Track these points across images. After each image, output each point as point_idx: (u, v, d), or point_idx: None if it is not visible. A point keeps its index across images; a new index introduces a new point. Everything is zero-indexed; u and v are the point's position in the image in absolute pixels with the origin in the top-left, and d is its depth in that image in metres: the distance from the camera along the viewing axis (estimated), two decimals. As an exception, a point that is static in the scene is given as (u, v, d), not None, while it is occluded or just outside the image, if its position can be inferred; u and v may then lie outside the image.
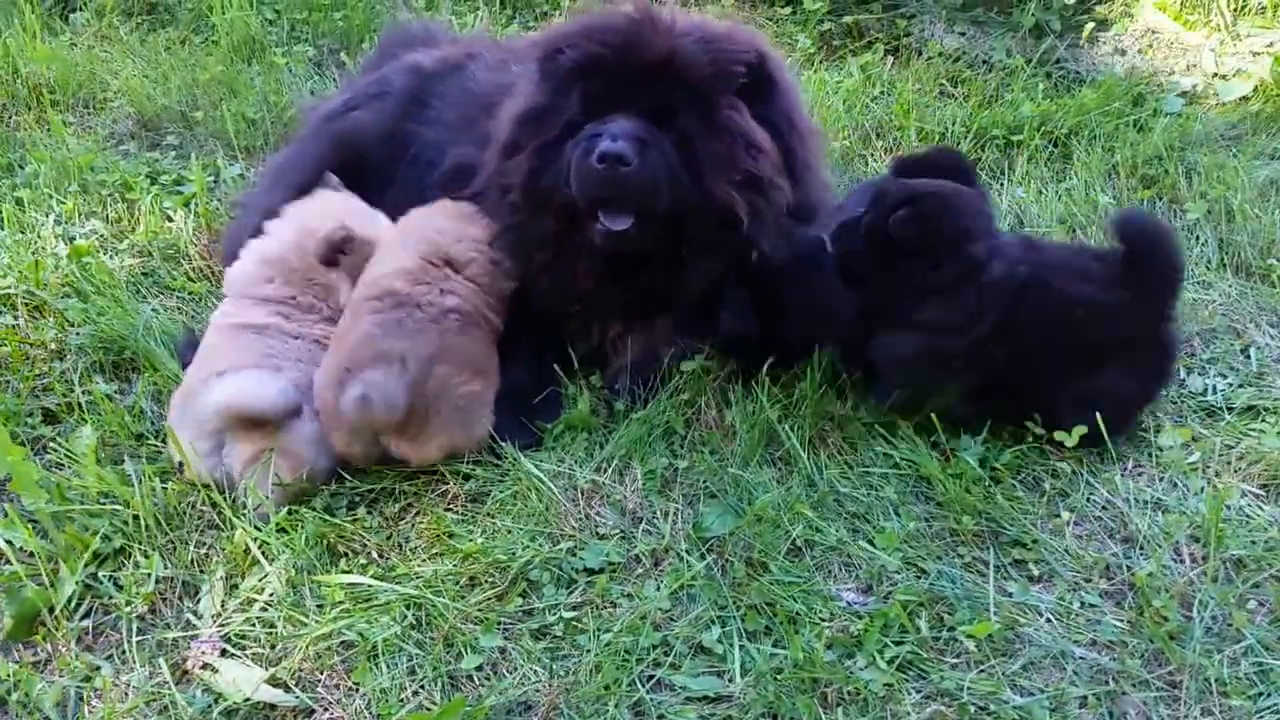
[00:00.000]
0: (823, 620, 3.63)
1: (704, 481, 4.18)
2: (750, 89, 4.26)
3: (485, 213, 4.64)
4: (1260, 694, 3.41)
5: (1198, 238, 5.57)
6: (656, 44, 4.15)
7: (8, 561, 3.83)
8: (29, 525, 3.87)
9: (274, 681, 3.42)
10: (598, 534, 3.99)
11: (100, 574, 3.79)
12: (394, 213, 4.74)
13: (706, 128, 4.21)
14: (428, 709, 3.34)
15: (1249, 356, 4.79)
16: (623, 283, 4.49)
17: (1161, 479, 4.18)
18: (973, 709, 3.34)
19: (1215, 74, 7.15)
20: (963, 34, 7.52)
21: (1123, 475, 4.17)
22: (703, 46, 4.17)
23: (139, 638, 3.60)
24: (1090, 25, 7.49)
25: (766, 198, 4.32)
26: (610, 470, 4.22)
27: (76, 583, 3.72)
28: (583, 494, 4.12)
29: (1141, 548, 3.91)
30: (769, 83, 4.35)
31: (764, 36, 4.47)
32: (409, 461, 4.16)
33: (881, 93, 6.99)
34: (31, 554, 3.80)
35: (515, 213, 4.49)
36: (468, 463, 4.21)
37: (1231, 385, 4.62)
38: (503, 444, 4.27)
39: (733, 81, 4.21)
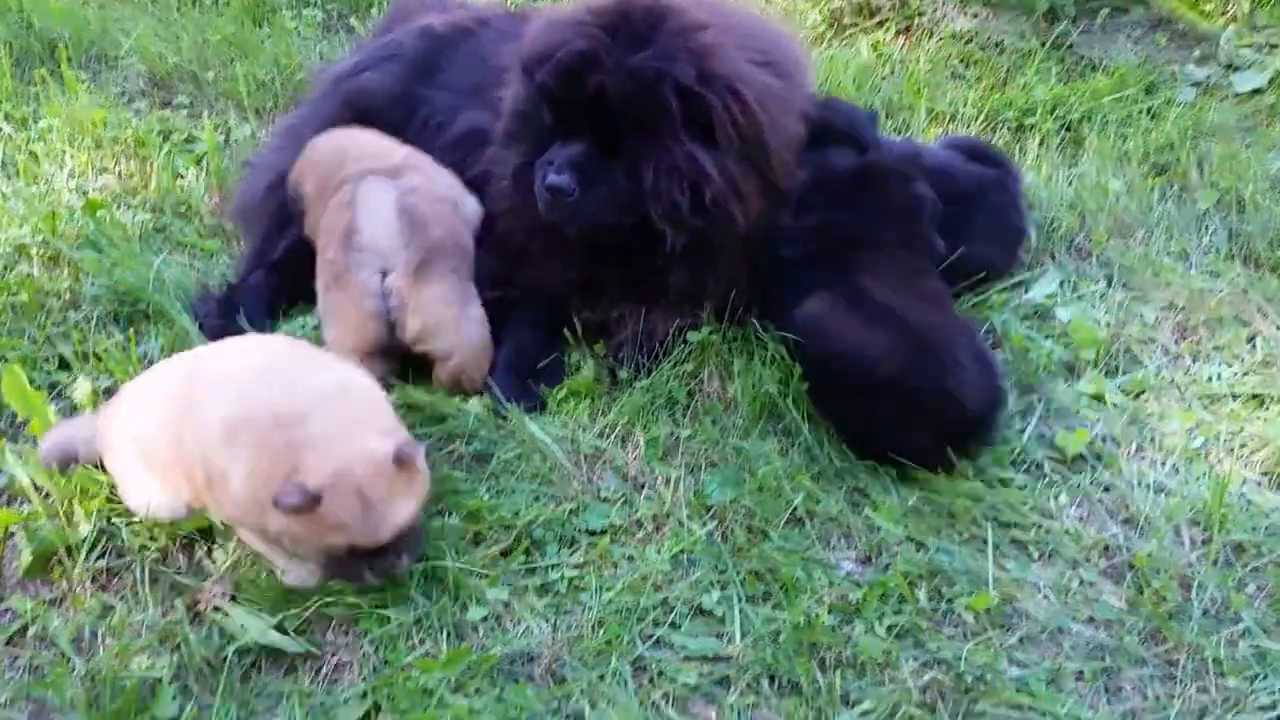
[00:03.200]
0: (822, 588, 3.66)
1: (706, 450, 4.20)
2: (695, 114, 4.20)
3: (488, 195, 4.71)
4: (1257, 676, 3.44)
5: (1207, 227, 5.58)
6: (591, 79, 4.13)
7: (27, 501, 3.86)
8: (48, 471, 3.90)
9: (281, 629, 3.46)
10: (600, 497, 4.02)
11: (115, 519, 3.81)
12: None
13: (649, 158, 4.21)
14: (434, 657, 3.38)
15: (1255, 346, 4.80)
16: (612, 271, 4.55)
17: (1164, 463, 4.21)
18: (970, 678, 3.38)
19: (1230, 65, 7.15)
20: (975, 15, 7.51)
21: (1125, 459, 4.20)
22: (633, 82, 4.13)
23: (152, 580, 3.64)
24: (1105, 11, 7.49)
25: (714, 224, 4.32)
26: (613, 436, 4.24)
27: (93, 524, 3.75)
28: (586, 458, 4.15)
29: (1141, 530, 3.94)
30: (720, 104, 4.20)
31: (723, 54, 4.25)
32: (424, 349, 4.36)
33: (891, 72, 7.01)
34: (48, 495, 3.83)
35: (506, 197, 4.56)
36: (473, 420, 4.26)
37: (1236, 373, 4.63)
38: (507, 405, 4.31)
39: (666, 116, 4.16)
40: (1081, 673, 3.46)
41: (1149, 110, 6.59)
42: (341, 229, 4.32)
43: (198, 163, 5.89)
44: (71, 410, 4.21)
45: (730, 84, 4.19)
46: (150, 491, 3.69)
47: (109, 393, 4.21)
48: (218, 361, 3.73)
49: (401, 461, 3.33)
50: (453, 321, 4.38)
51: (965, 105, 6.53)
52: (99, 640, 3.49)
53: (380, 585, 3.50)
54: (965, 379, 4.00)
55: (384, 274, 4.27)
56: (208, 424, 3.44)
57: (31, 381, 4.07)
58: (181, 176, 5.80)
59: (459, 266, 4.46)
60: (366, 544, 3.34)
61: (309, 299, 4.59)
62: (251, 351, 3.77)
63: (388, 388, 4.13)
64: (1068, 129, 6.46)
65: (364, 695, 3.29)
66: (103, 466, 3.84)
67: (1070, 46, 7.30)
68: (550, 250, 4.53)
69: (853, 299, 4.18)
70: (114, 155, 5.92)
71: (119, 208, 5.48)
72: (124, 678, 3.29)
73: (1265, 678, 3.44)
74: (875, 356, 4.03)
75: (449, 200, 4.56)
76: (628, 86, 4.12)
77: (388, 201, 4.32)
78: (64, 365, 4.51)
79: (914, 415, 4.01)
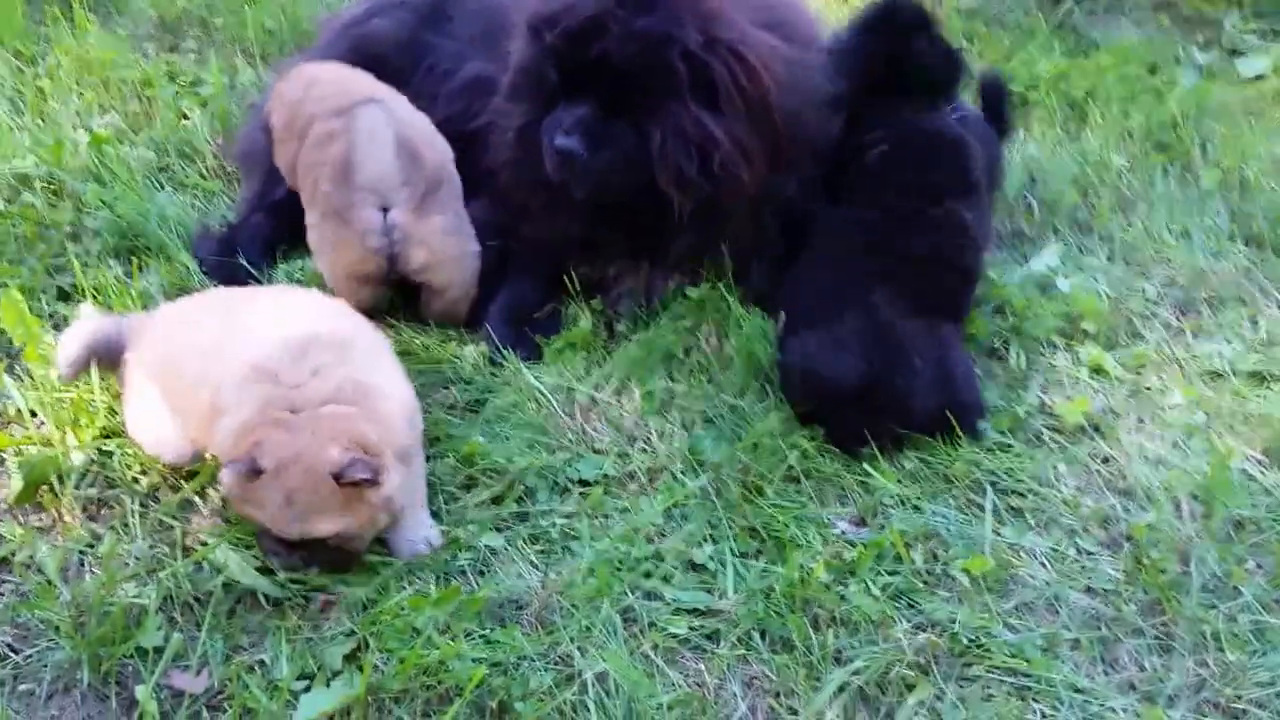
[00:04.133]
0: (817, 546, 3.64)
1: (701, 406, 4.18)
2: (701, 79, 4.17)
3: (491, 145, 4.65)
4: (1257, 651, 3.41)
5: (1210, 206, 5.57)
6: (597, 43, 4.10)
7: (22, 427, 3.85)
8: (42, 398, 3.88)
9: (266, 569, 3.44)
10: (594, 448, 4.00)
11: (108, 449, 3.79)
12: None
13: (656, 123, 4.18)
14: (424, 596, 3.36)
15: (1257, 325, 4.78)
16: (615, 231, 4.52)
17: (1164, 437, 4.18)
18: (964, 641, 3.35)
19: (1233, 50, 7.13)
20: (981, -7, 7.51)
21: (1125, 431, 4.18)
22: (639, 46, 4.10)
23: (142, 512, 3.62)
24: (1108, -9, 7.47)
25: (721, 188, 4.28)
26: (608, 389, 4.22)
27: (85, 454, 3.73)
28: (580, 409, 4.13)
29: (1140, 502, 3.91)
30: (724, 68, 4.18)
31: (728, 18, 4.24)
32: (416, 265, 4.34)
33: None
34: (42, 422, 3.82)
35: (510, 151, 4.51)
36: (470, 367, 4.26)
37: (1238, 351, 4.60)
38: (504, 352, 4.31)
39: (672, 81, 4.14)
40: (1078, 641, 3.43)
41: (1152, 88, 6.56)
42: (337, 162, 4.25)
43: (203, 105, 5.88)
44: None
45: (735, 48, 4.16)
46: (159, 427, 3.69)
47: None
48: (279, 308, 3.75)
49: (340, 480, 3.22)
50: (454, 253, 4.39)
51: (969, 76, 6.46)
52: (86, 569, 3.47)
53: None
54: (918, 385, 3.98)
55: (385, 210, 4.22)
56: (238, 359, 3.45)
57: (30, 311, 4.03)
58: (186, 118, 5.79)
59: (452, 195, 4.46)
60: (276, 531, 3.34)
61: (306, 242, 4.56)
62: (316, 318, 3.74)
63: (385, 328, 4.13)
64: (1071, 105, 6.43)
65: (351, 633, 3.26)
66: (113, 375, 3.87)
67: (1074, 27, 7.27)
68: (552, 207, 4.48)
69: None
70: (120, 95, 5.91)
71: (124, 144, 5.44)
72: (110, 605, 3.26)
73: (1264, 654, 3.40)
74: (842, 371, 3.98)
75: (431, 129, 4.54)
76: (634, 51, 4.09)
77: (387, 134, 4.25)
78: (63, 296, 4.50)
79: (871, 418, 3.99)
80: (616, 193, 4.30)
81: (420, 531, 3.59)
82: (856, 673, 3.26)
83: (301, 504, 3.24)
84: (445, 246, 4.36)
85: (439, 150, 4.47)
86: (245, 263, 4.64)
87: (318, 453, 3.23)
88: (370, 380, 3.51)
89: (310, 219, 4.43)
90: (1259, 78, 6.91)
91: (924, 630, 3.40)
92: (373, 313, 4.26)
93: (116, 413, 3.86)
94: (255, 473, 3.22)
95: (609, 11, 4.10)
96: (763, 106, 4.25)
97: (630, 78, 4.13)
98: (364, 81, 4.63)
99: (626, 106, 4.19)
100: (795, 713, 3.20)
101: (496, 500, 3.78)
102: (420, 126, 4.48)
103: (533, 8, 4.33)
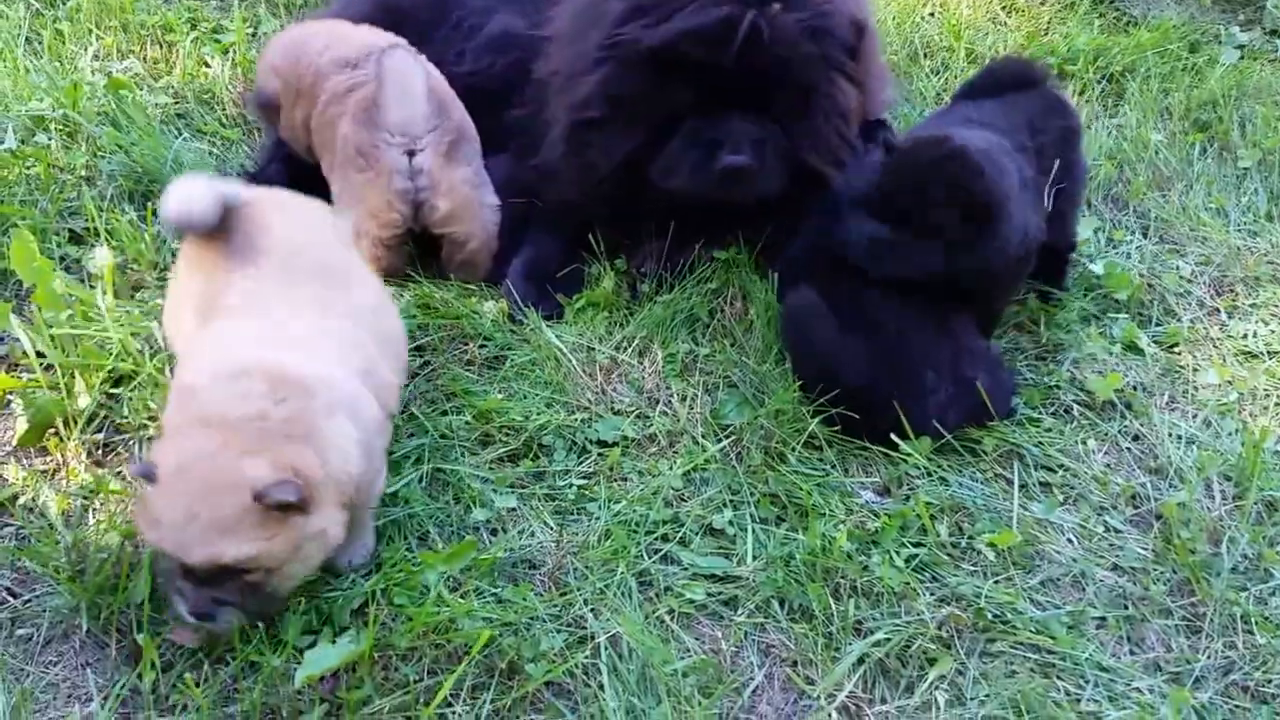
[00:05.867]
0: (839, 515, 3.58)
1: (724, 370, 4.12)
2: (850, 58, 4.22)
3: (543, 151, 4.51)
4: (1289, 634, 3.36)
5: (1247, 186, 5.47)
6: (763, 52, 3.97)
7: (29, 369, 3.79)
8: (52, 338, 3.82)
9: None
10: (614, 409, 3.94)
11: (116, 393, 3.74)
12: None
13: (805, 109, 4.14)
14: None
15: (1293, 306, 4.69)
16: (688, 223, 4.42)
17: (1196, 416, 4.11)
18: (989, 616, 3.29)
19: (1274, 31, 7.03)
20: (1021, -33, 7.40)
21: (1156, 409, 4.10)
22: (813, 44, 4.06)
23: (147, 458, 3.55)
24: (1149, -34, 7.37)
25: (852, 150, 4.30)
26: (630, 350, 4.16)
27: (92, 397, 3.67)
28: (601, 369, 4.06)
29: (1171, 481, 3.84)
30: (861, 44, 4.27)
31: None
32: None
33: (931, 14, 6.87)
34: (50, 366, 3.75)
35: (560, 152, 4.39)
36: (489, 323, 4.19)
37: (1273, 331, 4.53)
38: (524, 309, 4.24)
39: (829, 68, 4.14)
40: (1104, 619, 3.37)
41: (1192, 66, 6.46)
42: (361, 104, 4.17)
43: (224, 53, 5.78)
44: (87, 278, 4.17)
45: (863, 22, 4.25)
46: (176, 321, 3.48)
47: (124, 269, 4.19)
48: (302, 253, 3.39)
49: (261, 500, 2.72)
50: (476, 206, 4.32)
51: (1005, 48, 6.41)
52: (89, 514, 3.42)
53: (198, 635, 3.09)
54: (934, 402, 3.85)
55: (410, 154, 4.13)
56: (228, 295, 3.19)
57: (42, 252, 3.97)
58: (207, 65, 5.71)
59: (474, 151, 4.39)
60: (174, 555, 2.79)
61: (324, 193, 4.46)
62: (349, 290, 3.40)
63: (405, 281, 4.07)
64: (1109, 80, 6.33)
65: (359, 587, 3.19)
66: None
67: (1114, 2, 7.19)
68: (626, 206, 4.41)
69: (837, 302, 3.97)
70: (140, 40, 5.82)
71: (142, 89, 5.37)
72: (111, 552, 3.21)
73: (1295, 637, 3.34)
74: (846, 366, 3.86)
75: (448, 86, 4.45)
76: (810, 53, 4.05)
77: (419, 77, 4.17)
78: (75, 239, 4.44)
79: (878, 422, 3.87)
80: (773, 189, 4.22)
81: (361, 541, 3.30)
82: (877, 644, 3.22)
83: (205, 520, 2.73)
84: (470, 198, 4.29)
85: (459, 102, 4.39)
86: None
87: (230, 461, 2.76)
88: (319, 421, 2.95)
89: (333, 174, 4.37)
90: (1302, 56, 6.83)
91: (947, 603, 3.35)
92: (394, 275, 4.25)
93: (126, 357, 3.79)
94: (149, 477, 2.77)
95: (754, 13, 3.96)
96: (867, 74, 4.37)
97: (789, 77, 4.07)
98: (358, 31, 4.55)
99: (780, 105, 4.13)
100: (813, 683, 3.15)
101: (513, 458, 3.73)
102: (442, 79, 4.40)
103: (661, 34, 4.07)
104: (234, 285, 3.22)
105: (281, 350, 3.02)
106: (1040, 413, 4.05)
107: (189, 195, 3.23)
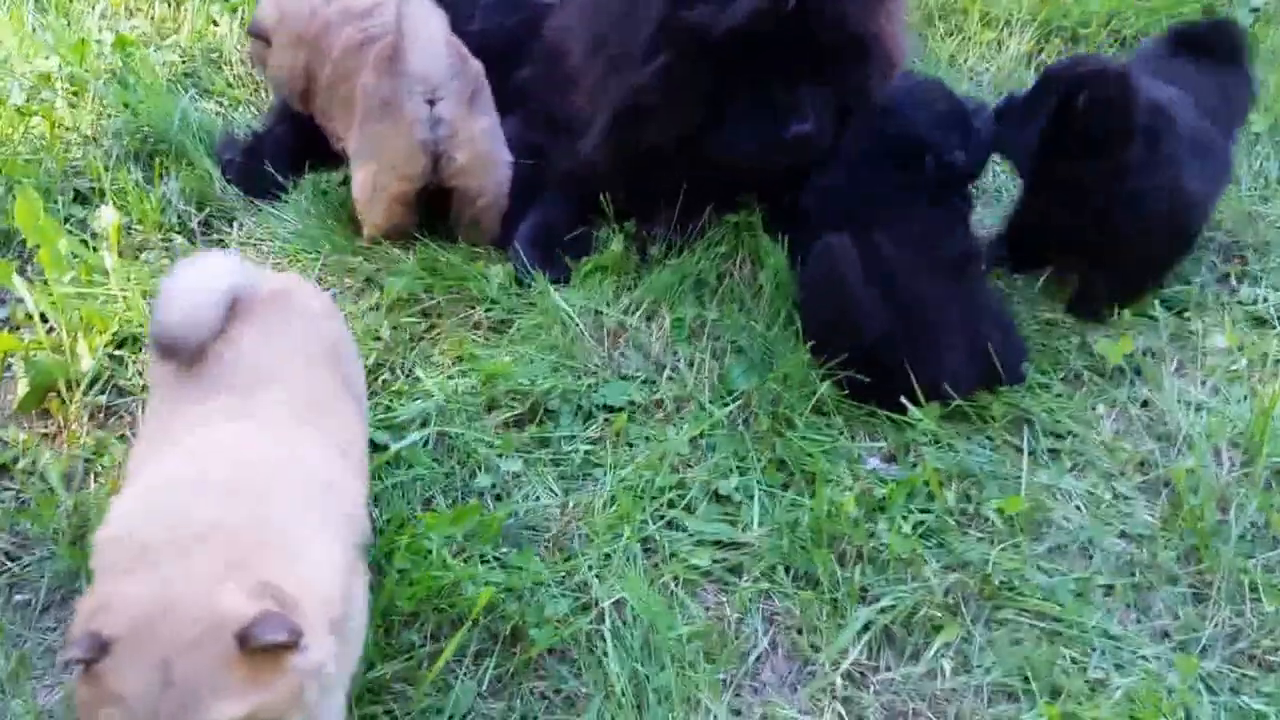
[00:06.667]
0: (846, 481, 3.56)
1: (732, 335, 4.08)
2: None
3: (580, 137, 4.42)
4: (1296, 602, 3.33)
5: (1259, 151, 5.42)
6: (821, 11, 3.92)
7: (32, 331, 3.79)
8: (53, 300, 3.81)
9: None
10: (620, 374, 3.92)
11: (119, 354, 3.75)
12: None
13: (861, 63, 4.12)
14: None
15: (1303, 273, 4.66)
16: (704, 188, 4.38)
17: (1205, 382, 4.08)
18: (995, 583, 3.28)
19: (1289, -6, 6.98)
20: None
21: (1166, 374, 4.06)
22: (886, 18, 4.13)
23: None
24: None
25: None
26: (638, 314, 4.13)
27: (96, 359, 3.67)
28: (609, 334, 4.05)
29: (1179, 447, 3.81)
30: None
31: None
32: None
33: (943, -26, 6.83)
34: (52, 329, 3.76)
35: (601, 142, 4.32)
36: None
37: (1284, 298, 4.49)
38: (531, 272, 4.21)
39: (891, 12, 4.16)
40: (1111, 587, 3.35)
41: (1206, 30, 6.41)
42: (382, 54, 4.12)
43: (233, 11, 5.77)
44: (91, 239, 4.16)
45: None
46: None
47: (129, 229, 4.19)
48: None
49: (248, 644, 2.11)
50: (493, 159, 4.29)
51: (1020, 11, 6.33)
52: (90, 478, 3.42)
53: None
54: (946, 363, 3.82)
55: (431, 103, 4.11)
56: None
57: (46, 212, 3.96)
58: (215, 24, 5.71)
59: (490, 105, 4.34)
60: None
61: (331, 155, 4.51)
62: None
63: (411, 242, 4.07)
64: (1122, 44, 6.28)
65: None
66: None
67: (1125, -34, 7.13)
68: (639, 177, 4.38)
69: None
70: (148, -2, 5.81)
71: (149, 48, 5.36)
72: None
73: (1305, 606, 3.32)
74: (869, 316, 3.83)
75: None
76: (845, 18, 4.00)
77: (440, 26, 4.14)
78: (80, 199, 4.43)
79: (892, 383, 3.83)
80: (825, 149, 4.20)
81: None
82: (883, 611, 3.20)
83: (187, 680, 2.09)
84: (488, 150, 4.27)
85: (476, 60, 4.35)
86: (272, 170, 4.58)
87: (202, 594, 2.17)
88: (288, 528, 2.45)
89: (349, 132, 4.32)
90: (1315, 24, 6.77)
91: (954, 571, 3.33)
92: (400, 234, 4.26)
93: (130, 320, 3.77)
94: (101, 648, 2.10)
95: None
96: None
97: (846, 33, 4.03)
98: None
99: (834, 64, 4.08)
100: (818, 650, 3.14)
101: (518, 422, 3.72)
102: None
103: (716, 22, 3.94)
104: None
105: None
106: (1050, 378, 4.02)
107: (194, 302, 2.79)
